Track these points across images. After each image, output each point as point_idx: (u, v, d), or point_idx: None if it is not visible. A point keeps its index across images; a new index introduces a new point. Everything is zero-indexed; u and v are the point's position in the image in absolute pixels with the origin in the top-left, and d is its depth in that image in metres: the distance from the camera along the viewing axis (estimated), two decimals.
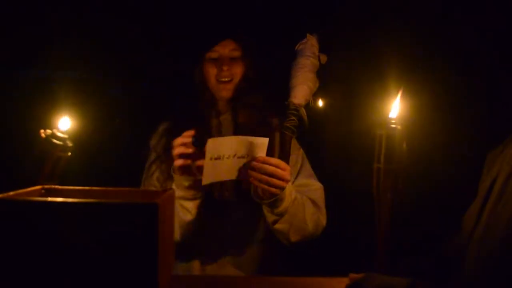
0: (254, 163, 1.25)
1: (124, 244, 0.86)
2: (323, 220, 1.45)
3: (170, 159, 1.38)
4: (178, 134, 1.46)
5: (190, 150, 1.25)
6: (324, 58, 1.54)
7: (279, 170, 1.26)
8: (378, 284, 0.95)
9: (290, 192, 1.33)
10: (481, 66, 1.75)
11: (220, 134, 1.50)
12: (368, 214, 1.06)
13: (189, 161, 1.26)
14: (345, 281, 1.06)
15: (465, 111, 1.77)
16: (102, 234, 0.86)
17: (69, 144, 1.16)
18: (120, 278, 0.86)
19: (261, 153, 1.26)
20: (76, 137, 1.19)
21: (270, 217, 1.35)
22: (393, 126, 0.96)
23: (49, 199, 0.92)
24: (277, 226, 1.35)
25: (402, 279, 0.94)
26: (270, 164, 1.25)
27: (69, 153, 1.16)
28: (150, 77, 2.26)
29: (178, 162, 1.27)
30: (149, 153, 1.53)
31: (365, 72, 1.93)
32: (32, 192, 0.98)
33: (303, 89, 1.48)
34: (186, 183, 1.30)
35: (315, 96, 1.58)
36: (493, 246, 0.89)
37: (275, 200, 1.29)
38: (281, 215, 1.33)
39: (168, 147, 1.44)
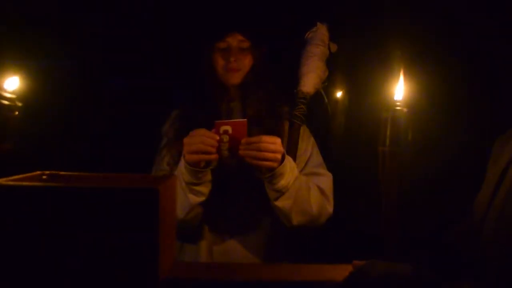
0: (243, 141, 1.26)
1: (125, 230, 0.85)
2: (330, 209, 1.44)
3: (180, 144, 1.39)
4: (189, 119, 1.47)
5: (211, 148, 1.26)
6: (334, 47, 1.53)
7: (269, 145, 1.27)
8: (382, 271, 0.93)
9: (291, 168, 1.33)
10: (485, 51, 1.72)
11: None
12: (374, 201, 1.04)
13: (209, 156, 1.27)
14: (348, 268, 1.04)
15: (469, 95, 1.74)
16: (103, 220, 0.85)
17: (18, 104, 1.12)
18: (121, 264, 0.85)
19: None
20: (24, 97, 1.15)
21: (271, 194, 1.35)
22: (398, 108, 0.95)
23: (49, 184, 0.92)
24: (278, 203, 1.35)
25: (406, 265, 0.93)
26: (258, 141, 1.27)
27: (17, 113, 1.12)
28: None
29: (193, 158, 1.28)
30: (161, 139, 1.55)
31: (369, 56, 1.91)
32: (32, 177, 0.97)
33: (312, 77, 1.48)
34: (200, 175, 1.31)
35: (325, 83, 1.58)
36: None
37: (274, 175, 1.29)
38: (281, 191, 1.33)
39: (179, 133, 1.46)
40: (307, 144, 1.52)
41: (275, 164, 1.28)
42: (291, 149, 1.43)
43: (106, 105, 2.23)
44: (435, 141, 1.66)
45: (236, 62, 1.46)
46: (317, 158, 1.53)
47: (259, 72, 1.49)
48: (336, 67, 1.56)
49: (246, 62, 1.48)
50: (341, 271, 1.02)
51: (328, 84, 1.55)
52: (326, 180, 1.48)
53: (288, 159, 1.33)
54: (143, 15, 2.21)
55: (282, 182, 1.31)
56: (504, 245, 0.88)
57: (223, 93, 1.51)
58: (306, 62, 1.49)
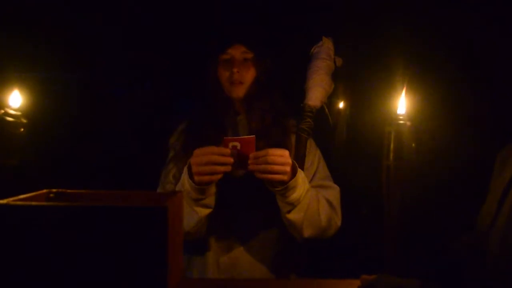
0: (251, 155, 1.26)
1: (133, 248, 0.85)
2: (338, 221, 1.45)
3: (187, 157, 1.39)
4: (196, 133, 1.48)
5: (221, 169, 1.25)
6: (339, 61, 1.55)
7: (276, 158, 1.26)
8: (390, 286, 0.93)
9: (303, 181, 1.33)
10: (486, 64, 1.74)
11: (236, 134, 1.50)
12: (378, 214, 1.05)
13: (216, 177, 1.26)
14: (356, 283, 1.04)
15: (471, 109, 1.75)
16: (111, 238, 0.85)
17: (23, 120, 1.12)
18: (129, 282, 0.85)
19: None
20: (29, 113, 1.15)
21: (284, 207, 1.35)
22: (401, 122, 0.95)
23: (56, 204, 0.92)
24: (290, 216, 1.34)
25: (413, 280, 0.93)
26: (265, 155, 1.26)
27: (22, 129, 1.11)
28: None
29: (206, 179, 1.26)
30: (168, 151, 1.55)
31: (371, 70, 1.92)
32: (39, 196, 0.98)
33: (318, 91, 1.49)
34: (207, 191, 1.31)
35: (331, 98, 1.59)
36: None
37: (286, 188, 1.29)
38: (294, 204, 1.33)
39: (186, 146, 1.46)
40: (314, 157, 1.52)
41: (284, 177, 1.28)
42: (299, 163, 1.42)
43: (114, 116, 2.24)
44: (438, 153, 1.66)
45: (239, 73, 1.46)
46: (324, 170, 1.53)
47: (263, 85, 1.50)
48: (338, 80, 1.57)
49: (248, 75, 1.48)
50: (349, 286, 1.02)
51: (329, 96, 1.57)
52: (333, 193, 1.48)
53: (300, 172, 1.33)
54: (148, 26, 2.22)
55: (295, 195, 1.31)
56: (509, 260, 0.88)
57: (229, 107, 1.52)
58: (312, 76, 1.50)
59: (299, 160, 1.42)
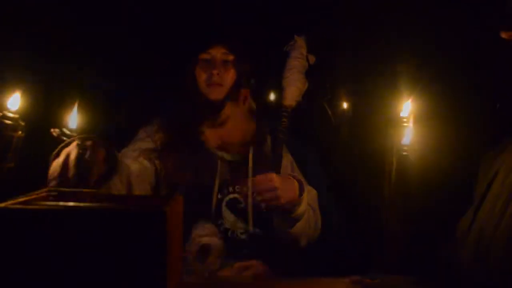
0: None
1: (133, 251, 0.85)
2: (319, 224, 1.45)
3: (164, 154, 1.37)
4: (177, 131, 1.45)
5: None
6: (312, 59, 1.54)
7: (261, 186, 1.25)
8: None
9: (305, 196, 1.35)
10: (489, 70, 1.73)
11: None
12: (379, 216, 1.04)
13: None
14: (345, 281, 1.04)
15: (477, 110, 1.74)
16: (110, 241, 0.84)
17: (21, 123, 1.11)
18: (129, 285, 0.85)
19: None
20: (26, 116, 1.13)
21: (289, 222, 1.35)
22: (405, 125, 0.95)
23: (54, 206, 0.91)
24: (294, 230, 1.35)
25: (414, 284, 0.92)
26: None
27: (20, 132, 1.10)
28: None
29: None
30: (139, 134, 1.50)
31: (374, 72, 1.92)
32: (39, 197, 0.97)
33: (292, 90, 1.48)
34: None
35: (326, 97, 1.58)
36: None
37: (295, 205, 1.30)
38: (298, 219, 1.33)
39: (165, 142, 1.44)
40: (287, 161, 1.51)
41: (280, 201, 1.26)
42: (276, 164, 1.41)
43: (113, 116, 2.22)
44: (441, 157, 1.65)
45: (219, 75, 1.43)
46: (299, 174, 1.51)
47: (242, 89, 1.48)
48: (341, 81, 1.57)
49: (229, 77, 1.46)
50: (339, 285, 1.02)
51: (332, 97, 1.56)
52: (313, 196, 1.47)
53: (306, 189, 1.34)
54: (148, 26, 2.21)
55: (300, 211, 1.32)
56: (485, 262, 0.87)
57: (209, 107, 1.48)
58: (286, 75, 1.50)
59: (276, 161, 1.41)
